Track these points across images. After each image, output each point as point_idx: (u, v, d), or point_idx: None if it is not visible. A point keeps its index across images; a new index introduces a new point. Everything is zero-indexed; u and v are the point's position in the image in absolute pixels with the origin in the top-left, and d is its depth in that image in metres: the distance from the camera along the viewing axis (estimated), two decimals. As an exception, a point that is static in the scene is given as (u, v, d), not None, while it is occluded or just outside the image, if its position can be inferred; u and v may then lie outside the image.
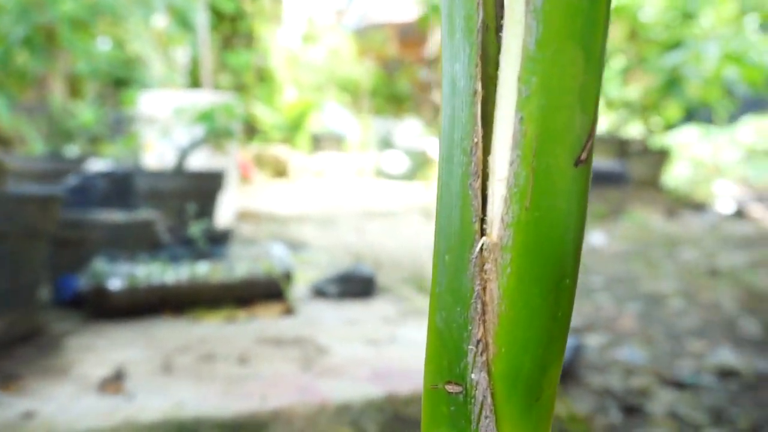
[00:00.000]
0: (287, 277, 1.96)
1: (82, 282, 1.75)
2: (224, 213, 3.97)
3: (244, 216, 4.46)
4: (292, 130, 8.31)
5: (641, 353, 2.22)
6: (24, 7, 5.21)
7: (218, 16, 8.70)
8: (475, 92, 0.22)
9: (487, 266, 0.22)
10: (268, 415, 1.08)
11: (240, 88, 8.73)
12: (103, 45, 6.64)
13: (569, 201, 0.21)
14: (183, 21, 7.33)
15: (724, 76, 5.56)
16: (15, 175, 3.46)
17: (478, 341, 0.22)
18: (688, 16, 5.58)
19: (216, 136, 2.65)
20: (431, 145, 8.76)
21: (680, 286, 3.33)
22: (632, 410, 1.77)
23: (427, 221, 4.87)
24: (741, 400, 1.83)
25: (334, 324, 1.76)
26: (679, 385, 1.93)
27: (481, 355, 0.23)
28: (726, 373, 2.02)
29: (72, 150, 3.92)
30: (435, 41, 11.28)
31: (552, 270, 0.21)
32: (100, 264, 1.77)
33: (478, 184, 0.22)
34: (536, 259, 0.21)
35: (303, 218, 4.75)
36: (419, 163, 8.35)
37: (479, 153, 0.22)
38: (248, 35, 9.72)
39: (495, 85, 0.22)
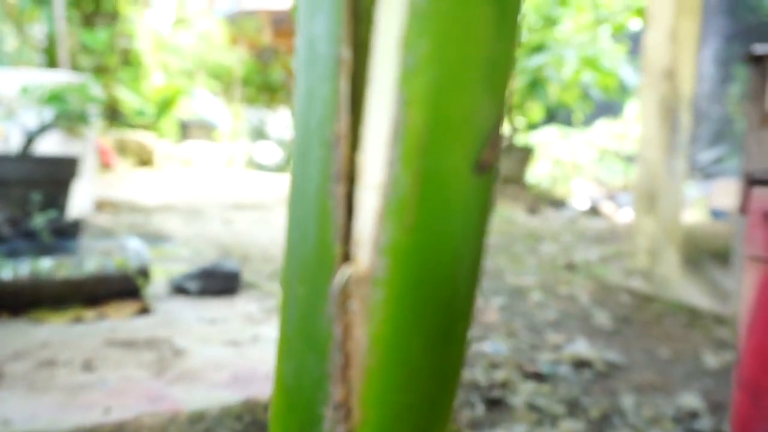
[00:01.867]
0: (143, 273, 1.81)
1: None
2: (80, 202, 3.68)
3: (102, 206, 4.17)
4: (159, 116, 7.92)
5: (504, 346, 2.27)
6: None
7: (78, -9, 8.14)
8: (340, 61, 0.15)
9: (351, 305, 0.15)
10: (110, 428, 0.97)
11: (102, 71, 8.20)
12: None
13: (465, 221, 0.15)
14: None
15: (582, 80, 5.88)
16: None
17: (338, 405, 0.16)
18: (550, 22, 5.84)
19: (68, 119, 2.42)
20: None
21: (541, 280, 3.46)
22: (495, 403, 1.80)
23: (298, 214, 4.79)
24: (593, 390, 1.91)
25: (193, 324, 1.65)
26: (538, 376, 1.98)
27: (343, 422, 0.16)
28: (580, 364, 2.11)
29: None
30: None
31: (440, 313, 0.15)
32: None
33: (341, 190, 0.16)
34: (419, 298, 0.15)
35: (167, 209, 4.51)
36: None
37: (344, 147, 0.15)
38: (113, 14, 9.15)
39: (369, 52, 0.15)
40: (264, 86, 11.53)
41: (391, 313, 0.15)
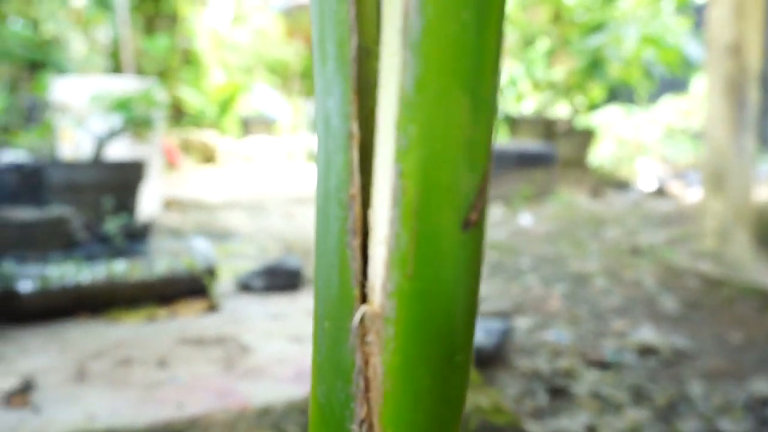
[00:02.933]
0: (210, 272, 1.89)
1: (-12, 285, 1.64)
2: (149, 202, 3.83)
3: (170, 205, 4.32)
4: (221, 113, 8.11)
5: (567, 334, 2.26)
6: None
7: (140, -6, 8.39)
8: (351, 135, 0.18)
9: (369, 338, 0.19)
10: (184, 423, 1.03)
11: (165, 72, 8.45)
12: (15, 25, 6.29)
13: (457, 269, 0.17)
14: (101, 0, 7.03)
15: (643, 57, 5.72)
16: None
17: (362, 421, 0.19)
18: (607, 0, 5.71)
19: (135, 125, 2.53)
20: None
21: (604, 265, 3.41)
22: (558, 392, 1.80)
23: (359, 206, 4.85)
24: (659, 377, 1.89)
25: (259, 320, 1.72)
26: (602, 364, 1.97)
27: (367, 437, 0.19)
28: (646, 351, 2.08)
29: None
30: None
31: (441, 346, 0.18)
32: (8, 265, 1.66)
33: (357, 242, 0.19)
34: (422, 333, 0.18)
35: (231, 205, 4.64)
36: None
37: (357, 207, 0.19)
38: (172, 16, 9.40)
39: (375, 125, 0.18)
40: (322, 79, 11.65)
41: (400, 346, 0.19)
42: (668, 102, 7.80)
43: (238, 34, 10.78)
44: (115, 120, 2.56)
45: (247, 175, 6.47)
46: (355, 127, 0.19)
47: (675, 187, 5.66)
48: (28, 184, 2.11)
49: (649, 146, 7.45)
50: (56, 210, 1.97)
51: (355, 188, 0.19)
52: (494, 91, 0.17)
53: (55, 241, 1.85)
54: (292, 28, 11.78)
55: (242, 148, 7.48)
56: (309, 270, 2.78)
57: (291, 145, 8.18)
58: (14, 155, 3.09)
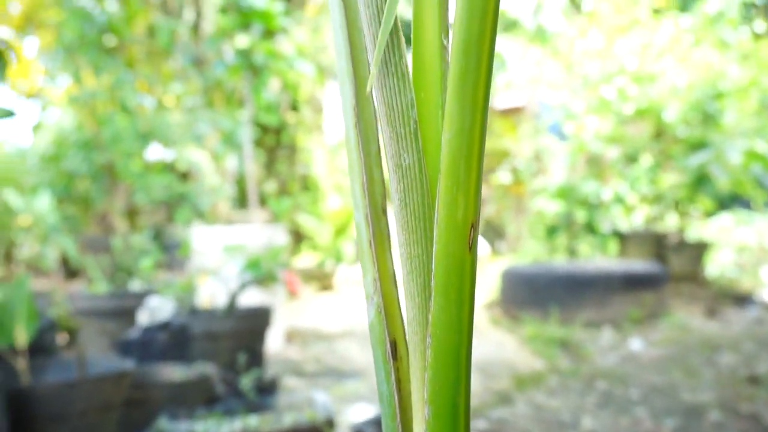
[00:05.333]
0: (329, 423, 2.13)
1: (148, 441, 1.95)
2: (273, 337, 4.18)
3: (292, 336, 4.66)
4: (336, 238, 8.60)
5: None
6: (86, 146, 5.72)
7: (263, 129, 9.20)
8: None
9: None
10: None
11: (284, 195, 9.14)
12: (154, 155, 7.01)
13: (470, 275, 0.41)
14: (230, 139, 7.83)
15: (752, 170, 5.67)
16: (83, 314, 3.77)
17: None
18: (709, 117, 5.77)
19: (262, 280, 2.90)
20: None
21: (719, 396, 3.36)
22: None
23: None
24: None
25: (374, 472, 1.92)
26: None
27: None
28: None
29: (134, 285, 4.24)
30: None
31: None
32: (163, 423, 1.97)
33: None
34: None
35: (347, 334, 4.92)
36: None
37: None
38: (291, 146, 10.23)
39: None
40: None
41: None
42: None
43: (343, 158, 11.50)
44: (246, 276, 2.93)
45: (362, 302, 6.79)
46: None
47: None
48: (175, 340, 2.47)
49: (773, 253, 7.17)
50: (200, 368, 2.30)
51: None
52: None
53: (199, 397, 2.16)
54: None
55: (357, 274, 7.87)
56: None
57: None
58: (159, 303, 3.53)
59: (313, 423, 2.10)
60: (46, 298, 4.07)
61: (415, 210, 0.44)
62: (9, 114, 3.80)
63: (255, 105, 7.09)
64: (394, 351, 0.49)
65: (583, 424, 3.07)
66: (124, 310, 3.65)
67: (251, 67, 5.64)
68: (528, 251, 7.54)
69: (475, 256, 0.42)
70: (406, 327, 0.47)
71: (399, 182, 0.44)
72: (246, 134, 6.05)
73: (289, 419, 2.08)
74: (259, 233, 3.94)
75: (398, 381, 0.49)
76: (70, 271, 5.34)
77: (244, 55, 5.51)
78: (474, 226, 0.41)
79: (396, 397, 0.49)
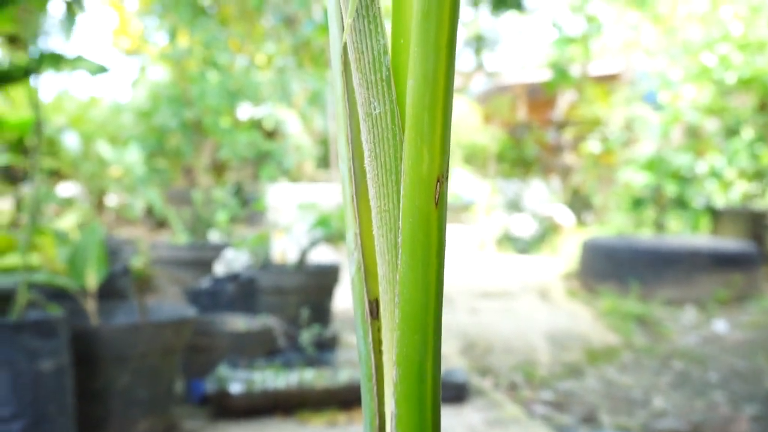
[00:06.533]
0: (385, 383, 2.14)
1: (209, 385, 2.03)
2: (345, 293, 4.24)
3: (363, 296, 4.70)
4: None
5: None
6: (176, 102, 5.90)
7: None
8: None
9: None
10: None
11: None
12: (243, 113, 7.15)
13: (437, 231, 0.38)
14: (316, 99, 7.90)
15: None
16: (164, 262, 3.93)
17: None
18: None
19: (332, 238, 2.93)
20: (558, 211, 8.73)
21: (806, 385, 3.17)
22: None
23: (543, 303, 4.91)
24: None
25: (424, 434, 1.92)
26: None
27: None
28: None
29: (214, 237, 4.39)
30: (563, 103, 11.26)
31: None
32: (223, 370, 2.04)
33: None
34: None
35: (420, 297, 4.92)
36: (547, 227, 8.35)
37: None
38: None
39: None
40: (518, 161, 11.85)
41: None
42: None
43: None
44: (316, 233, 2.97)
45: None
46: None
47: None
48: (244, 292, 2.54)
49: None
50: (263, 320, 2.36)
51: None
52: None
53: (260, 348, 2.23)
54: (487, 112, 12.20)
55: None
56: (492, 363, 2.94)
57: (483, 233, 8.41)
58: (234, 254, 3.63)
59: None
60: (132, 246, 4.28)
61: (385, 162, 0.42)
62: (102, 70, 3.94)
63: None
64: (372, 310, 0.47)
65: (655, 404, 2.97)
66: (202, 261, 3.79)
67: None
68: (613, 223, 7.29)
69: (442, 212, 0.39)
70: (379, 284, 0.45)
71: (369, 132, 0.41)
72: (330, 94, 6.08)
73: (344, 376, 2.11)
74: (334, 192, 3.97)
75: (375, 341, 0.47)
76: (156, 221, 5.58)
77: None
78: (440, 180, 0.38)
79: (372, 357, 0.47)
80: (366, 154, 0.42)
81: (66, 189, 5.58)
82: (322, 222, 2.93)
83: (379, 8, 0.41)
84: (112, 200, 5.36)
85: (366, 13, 0.41)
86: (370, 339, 0.47)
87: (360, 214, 0.47)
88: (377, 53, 0.41)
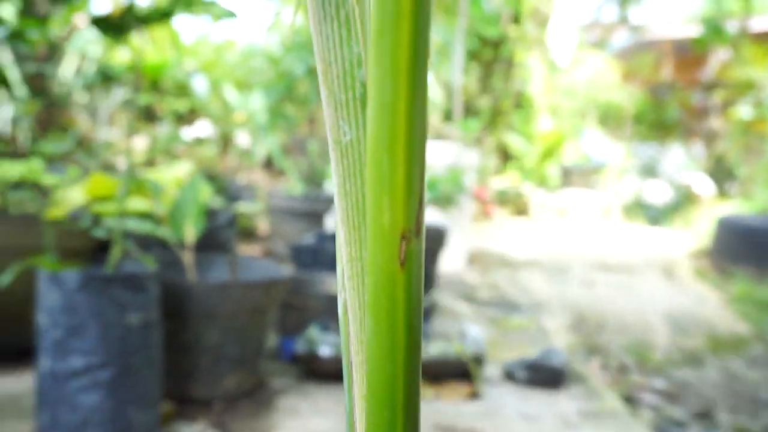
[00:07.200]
0: (478, 360, 2.06)
1: (299, 346, 2.04)
2: (455, 257, 4.16)
3: (474, 259, 4.61)
4: (542, 161, 8.28)
5: None
6: (305, 48, 5.94)
7: (482, 42, 8.92)
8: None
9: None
10: None
11: (497, 114, 8.90)
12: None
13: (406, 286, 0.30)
14: (445, 50, 7.71)
15: None
16: (279, 211, 4.02)
17: None
18: None
19: (439, 201, 2.84)
20: (698, 180, 8.13)
21: None
22: None
23: (667, 281, 4.59)
24: None
25: (511, 419, 1.83)
26: None
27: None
28: None
29: (328, 187, 4.43)
30: (714, 62, 10.38)
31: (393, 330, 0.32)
32: (314, 332, 2.04)
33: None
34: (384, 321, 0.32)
35: (534, 264, 4.77)
36: (682, 197, 7.81)
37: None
38: (509, 60, 9.85)
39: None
40: (657, 123, 11.12)
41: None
42: None
43: (572, 77, 10.85)
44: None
45: (557, 230, 6.51)
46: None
47: None
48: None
49: None
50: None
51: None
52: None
53: (353, 312, 2.20)
54: (627, 70, 11.46)
55: (557, 201, 7.54)
56: (602, 341, 2.78)
57: (609, 200, 7.99)
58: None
59: (460, 357, 2.05)
60: (251, 192, 4.40)
61: (357, 201, 0.33)
62: (230, 15, 3.97)
63: (473, 16, 6.84)
64: None
65: (782, 406, 2.70)
66: (314, 212, 3.83)
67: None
68: (758, 199, 6.67)
69: (412, 274, 0.31)
70: (350, 343, 0.37)
71: (338, 163, 0.33)
72: (458, 46, 5.89)
73: (435, 348, 2.05)
74: (447, 151, 3.86)
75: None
76: (276, 169, 5.71)
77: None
78: (406, 236, 0.29)
79: (355, 415, 0.41)
80: (335, 189, 0.34)
81: (201, 128, 5.82)
82: (430, 186, 2.84)
83: (353, 8, 0.32)
84: (239, 142, 5.53)
85: (336, 13, 0.32)
86: (354, 394, 0.40)
87: (346, 250, 0.39)
88: (349, 65, 0.32)
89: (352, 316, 0.36)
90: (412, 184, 0.29)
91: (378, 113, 0.27)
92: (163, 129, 4.92)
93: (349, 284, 0.35)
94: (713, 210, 6.71)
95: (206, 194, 2.06)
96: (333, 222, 3.70)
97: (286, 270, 1.99)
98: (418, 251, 0.30)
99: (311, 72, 5.88)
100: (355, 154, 0.32)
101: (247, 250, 3.80)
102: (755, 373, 3.03)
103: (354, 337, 0.36)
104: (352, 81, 0.32)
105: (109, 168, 2.83)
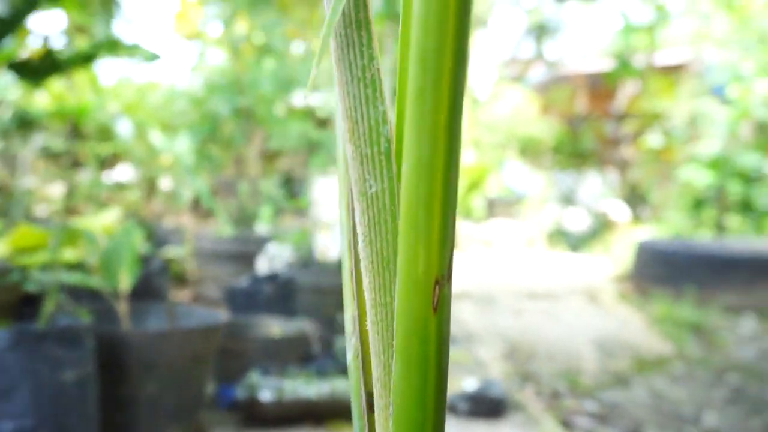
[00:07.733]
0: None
1: (239, 392, 1.99)
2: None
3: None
4: (467, 195, 8.46)
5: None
6: (230, 89, 5.90)
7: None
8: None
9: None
10: None
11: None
12: (298, 100, 7.10)
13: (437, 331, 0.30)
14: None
15: None
16: (207, 255, 3.94)
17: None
18: None
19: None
20: (613, 206, 8.49)
21: None
22: None
23: (591, 305, 4.75)
24: None
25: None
26: None
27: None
28: None
29: (260, 229, 4.38)
30: (624, 95, 10.92)
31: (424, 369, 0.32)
32: (254, 376, 2.00)
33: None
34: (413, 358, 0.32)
35: (464, 295, 4.84)
36: (600, 223, 8.12)
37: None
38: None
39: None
40: (574, 153, 11.56)
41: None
42: None
43: (493, 111, 11.17)
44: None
45: (484, 261, 6.65)
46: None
47: None
48: (282, 292, 2.50)
49: None
50: (298, 324, 2.31)
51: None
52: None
53: (294, 354, 2.18)
54: (545, 103, 11.91)
55: (482, 233, 7.71)
56: (535, 368, 2.83)
57: (532, 229, 8.23)
58: (277, 249, 3.59)
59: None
60: (178, 235, 4.30)
61: (381, 249, 0.34)
62: (155, 57, 3.91)
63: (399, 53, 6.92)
64: (370, 403, 0.41)
65: (706, 421, 2.82)
66: (244, 254, 3.77)
67: (395, 16, 5.54)
68: (671, 222, 7.02)
69: (443, 318, 0.32)
70: (374, 386, 0.38)
71: (363, 213, 0.34)
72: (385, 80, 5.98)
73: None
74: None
75: (374, 440, 0.41)
76: (203, 211, 5.61)
77: (390, 3, 5.41)
78: (440, 282, 0.31)
79: None
80: (360, 238, 0.36)
81: (122, 172, 5.66)
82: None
83: (377, 69, 0.34)
84: (164, 185, 5.41)
85: (362, 75, 0.34)
86: (374, 436, 0.41)
87: (359, 294, 0.40)
88: (375, 122, 0.34)
89: (375, 359, 0.36)
90: (446, 234, 0.30)
91: (415, 169, 0.29)
92: (85, 175, 4.76)
93: (372, 329, 0.36)
94: (629, 235, 7.01)
95: (139, 241, 2.00)
96: (265, 264, 3.65)
97: (223, 315, 1.96)
98: (448, 296, 0.32)
99: (237, 113, 5.85)
100: (379, 205, 0.34)
101: (178, 295, 3.69)
102: (678, 390, 3.17)
103: (377, 381, 0.37)
104: (377, 137, 0.34)
105: (30, 218, 2.71)
